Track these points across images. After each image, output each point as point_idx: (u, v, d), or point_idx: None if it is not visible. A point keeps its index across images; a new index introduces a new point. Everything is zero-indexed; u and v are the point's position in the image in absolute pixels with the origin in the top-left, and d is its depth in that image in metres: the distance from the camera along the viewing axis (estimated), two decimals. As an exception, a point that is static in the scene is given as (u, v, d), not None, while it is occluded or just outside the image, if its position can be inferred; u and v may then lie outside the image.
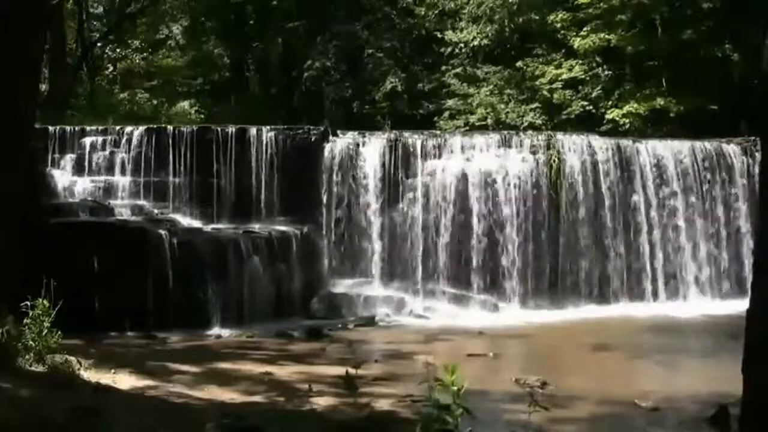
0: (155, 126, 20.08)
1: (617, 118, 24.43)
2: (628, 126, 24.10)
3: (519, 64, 27.43)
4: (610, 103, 25.44)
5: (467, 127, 26.88)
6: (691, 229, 19.69)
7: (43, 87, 26.83)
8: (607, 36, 25.58)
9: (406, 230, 18.90)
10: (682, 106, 24.04)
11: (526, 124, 26.39)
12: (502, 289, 18.49)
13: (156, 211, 18.24)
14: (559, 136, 20.22)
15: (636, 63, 25.92)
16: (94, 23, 37.76)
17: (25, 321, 9.59)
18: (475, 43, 29.10)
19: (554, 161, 19.22)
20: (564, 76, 26.46)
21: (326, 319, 16.93)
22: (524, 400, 4.79)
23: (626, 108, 24.51)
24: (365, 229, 18.88)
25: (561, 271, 18.94)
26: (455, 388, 4.28)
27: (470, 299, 18.22)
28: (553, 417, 4.94)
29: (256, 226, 18.16)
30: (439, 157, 19.32)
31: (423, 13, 30.95)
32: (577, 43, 26.20)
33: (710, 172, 20.06)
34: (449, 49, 29.71)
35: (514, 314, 17.75)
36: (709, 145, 20.40)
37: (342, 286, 18.24)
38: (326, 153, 19.16)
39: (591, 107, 25.87)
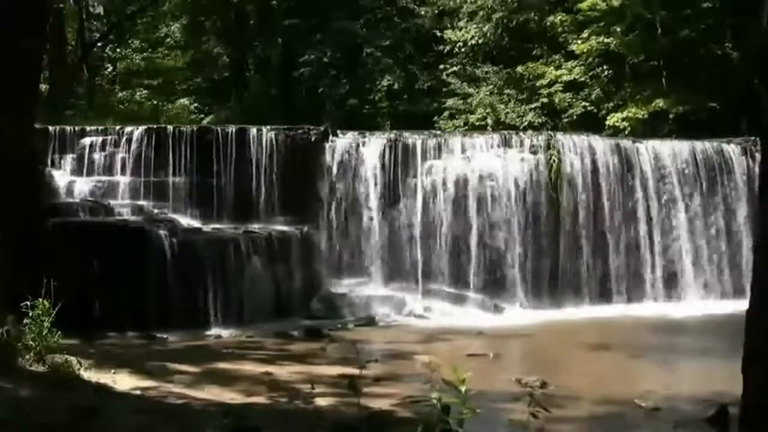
0: (155, 126, 20.09)
1: (617, 123, 24.41)
2: (628, 131, 24.07)
3: (519, 69, 27.40)
4: (612, 104, 25.42)
5: (467, 127, 26.87)
6: (691, 228, 19.69)
7: (43, 87, 26.83)
8: (606, 40, 25.58)
9: (405, 230, 18.90)
10: (682, 106, 24.03)
11: (525, 124, 26.38)
12: (501, 289, 18.48)
13: (156, 211, 18.23)
14: (559, 136, 20.22)
15: (636, 63, 25.92)
16: (94, 23, 37.77)
17: (25, 321, 9.60)
18: (474, 41, 29.11)
19: (554, 161, 19.22)
20: (564, 78, 26.45)
21: (326, 319, 16.93)
22: (524, 400, 4.78)
23: (626, 112, 24.49)
24: (365, 228, 18.88)
25: (561, 271, 18.93)
26: (463, 388, 4.28)
27: (470, 299, 18.22)
28: (553, 417, 4.93)
29: (256, 226, 18.15)
30: (439, 156, 19.32)
31: (423, 12, 30.97)
32: (576, 47, 26.21)
33: (710, 172, 20.05)
34: (448, 48, 29.72)
35: (513, 314, 17.74)
36: (709, 145, 20.40)
37: (342, 286, 18.23)
38: (326, 153, 19.16)
39: (592, 108, 25.86)
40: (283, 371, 12.03)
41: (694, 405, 10.26)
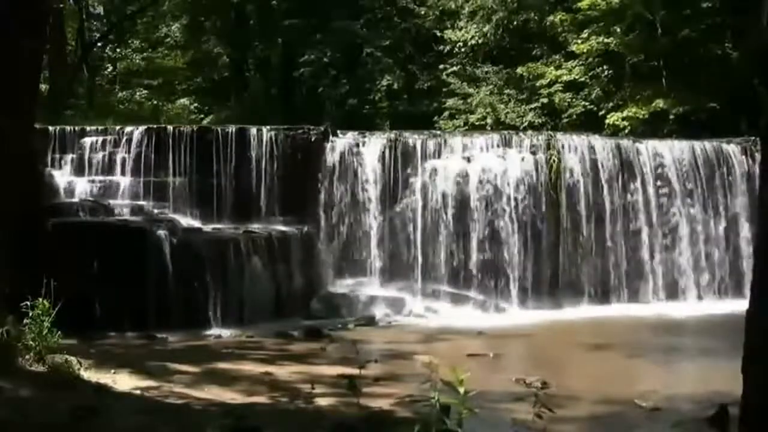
0: (155, 126, 20.08)
1: (617, 122, 24.43)
2: (628, 130, 24.09)
3: (519, 70, 27.41)
4: (611, 104, 25.43)
5: (467, 127, 26.90)
6: (691, 229, 19.68)
7: (43, 87, 26.84)
8: (606, 40, 25.60)
9: (406, 230, 18.90)
10: (682, 106, 24.04)
11: (525, 124, 26.42)
12: (501, 289, 18.48)
13: (156, 211, 18.23)
14: (559, 136, 20.23)
15: (636, 63, 25.94)
16: (94, 23, 37.82)
17: (25, 321, 9.60)
18: (474, 42, 29.14)
19: (554, 161, 19.22)
20: (564, 78, 26.47)
21: (326, 319, 16.92)
22: (525, 400, 4.79)
23: (626, 112, 24.50)
24: (365, 228, 18.88)
25: (561, 271, 18.93)
26: (461, 389, 4.28)
27: (470, 299, 18.22)
28: (553, 417, 4.93)
29: (256, 226, 18.15)
30: (439, 156, 19.33)
31: (423, 12, 31.00)
32: (576, 47, 26.23)
33: (710, 172, 20.05)
34: (448, 48, 29.74)
35: (513, 314, 17.74)
36: (709, 145, 20.40)
37: (342, 286, 18.23)
38: (326, 153, 19.15)
39: (592, 108, 25.89)
40: (283, 371, 12.03)
41: (694, 405, 10.25)
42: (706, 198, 19.90)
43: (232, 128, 19.46)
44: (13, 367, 9.10)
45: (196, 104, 35.04)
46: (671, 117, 24.16)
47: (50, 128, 18.96)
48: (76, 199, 18.12)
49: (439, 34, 30.35)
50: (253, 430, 7.90)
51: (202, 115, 33.85)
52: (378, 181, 19.03)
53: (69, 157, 18.93)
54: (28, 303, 9.63)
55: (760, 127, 5.50)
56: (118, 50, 37.16)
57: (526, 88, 27.48)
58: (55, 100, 28.71)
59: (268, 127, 19.57)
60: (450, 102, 28.53)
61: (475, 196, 18.85)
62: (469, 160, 19.25)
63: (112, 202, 18.17)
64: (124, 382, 10.41)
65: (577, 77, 26.43)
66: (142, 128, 19.26)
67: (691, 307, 18.31)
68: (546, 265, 18.90)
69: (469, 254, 18.63)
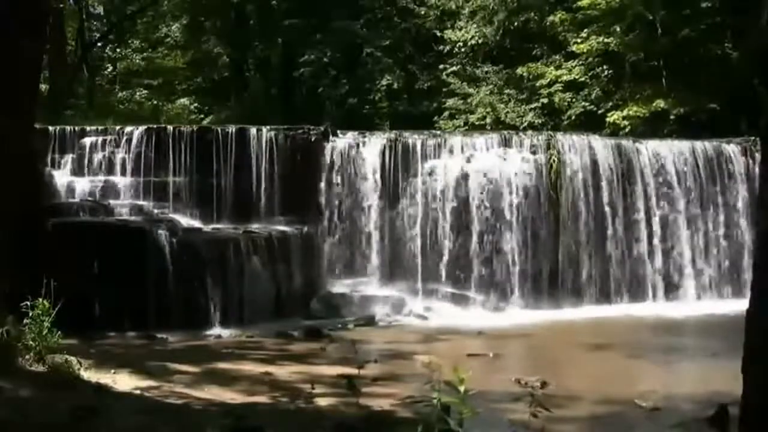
0: (155, 126, 20.08)
1: (617, 121, 24.44)
2: (628, 129, 24.10)
3: (519, 70, 27.41)
4: (611, 104, 25.44)
5: (467, 127, 26.90)
6: (691, 228, 19.69)
7: (43, 87, 26.84)
8: (606, 40, 25.61)
9: (406, 230, 18.90)
10: (682, 106, 24.05)
11: (525, 124, 26.42)
12: (502, 289, 18.48)
13: (156, 211, 18.24)
14: (559, 136, 20.23)
15: (636, 63, 25.95)
16: (94, 23, 37.84)
17: (25, 321, 9.60)
18: (474, 42, 29.16)
19: (554, 161, 19.22)
20: (564, 78, 26.48)
21: (326, 319, 16.93)
22: (524, 400, 4.79)
23: (626, 110, 24.50)
24: (365, 228, 18.88)
25: (561, 271, 18.94)
26: (462, 388, 4.28)
27: (470, 299, 18.22)
28: (553, 417, 4.93)
29: (256, 226, 18.16)
30: (439, 156, 19.33)
31: (423, 12, 31.01)
32: (576, 47, 26.23)
33: (710, 172, 20.06)
34: (448, 48, 29.75)
35: (514, 314, 17.74)
36: (709, 145, 20.41)
37: (342, 286, 18.23)
38: (326, 153, 19.16)
39: (592, 107, 25.90)
40: (283, 371, 12.03)
41: (694, 405, 10.26)
42: (706, 198, 19.90)
43: (232, 128, 19.47)
44: (13, 367, 9.10)
45: (196, 104, 35.05)
46: (671, 117, 24.16)
47: (50, 128, 18.97)
48: (76, 199, 18.13)
49: (439, 34, 30.35)
50: (254, 430, 7.90)
51: (202, 115, 33.86)
52: (378, 181, 19.03)
53: (69, 157, 18.93)
54: (28, 303, 9.63)
55: (760, 127, 5.50)
56: (118, 50, 37.17)
57: (526, 88, 27.49)
58: (55, 100, 28.72)
59: (268, 127, 19.58)
60: (450, 102, 28.54)
61: (475, 196, 18.85)
62: (469, 160, 19.25)
63: (112, 202, 18.18)
64: (124, 382, 10.41)
65: (577, 77, 26.43)
66: (142, 128, 19.27)
67: (690, 307, 18.31)
68: (546, 265, 18.90)
69: (469, 254, 18.63)
